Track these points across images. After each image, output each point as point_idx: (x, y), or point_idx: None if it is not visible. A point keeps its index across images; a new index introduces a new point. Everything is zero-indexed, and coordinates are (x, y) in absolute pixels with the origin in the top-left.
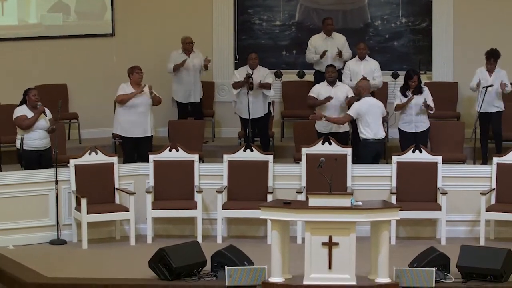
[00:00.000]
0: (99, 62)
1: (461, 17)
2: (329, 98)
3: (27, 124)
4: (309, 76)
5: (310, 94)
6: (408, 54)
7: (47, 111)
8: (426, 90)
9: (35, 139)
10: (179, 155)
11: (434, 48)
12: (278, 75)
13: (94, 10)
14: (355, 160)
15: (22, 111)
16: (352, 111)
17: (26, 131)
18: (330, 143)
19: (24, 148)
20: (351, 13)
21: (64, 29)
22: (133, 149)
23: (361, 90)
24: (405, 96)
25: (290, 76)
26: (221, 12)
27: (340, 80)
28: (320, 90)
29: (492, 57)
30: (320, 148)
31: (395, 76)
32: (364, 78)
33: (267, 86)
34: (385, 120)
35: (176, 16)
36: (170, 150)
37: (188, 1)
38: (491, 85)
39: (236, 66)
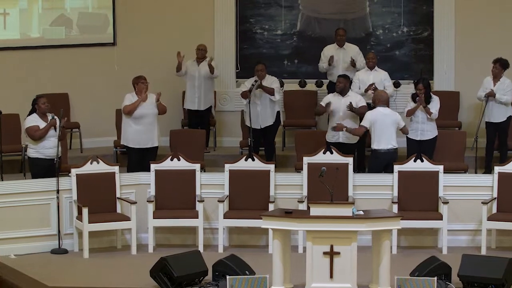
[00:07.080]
0: (100, 71)
1: (463, 27)
2: (328, 105)
3: (39, 135)
4: (311, 85)
5: (320, 102)
6: (409, 64)
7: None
8: (434, 100)
9: (49, 147)
10: (181, 164)
11: (435, 58)
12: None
13: (96, 23)
14: (357, 170)
15: (34, 120)
16: (364, 122)
17: (37, 141)
18: (331, 152)
19: (37, 156)
20: (353, 23)
21: (66, 42)
22: (140, 160)
23: (376, 99)
24: (416, 102)
25: (292, 85)
26: (222, 21)
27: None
28: (330, 100)
29: (498, 62)
30: (322, 157)
31: (396, 85)
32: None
33: (269, 90)
34: (404, 132)
35: (177, 25)
36: (171, 159)
37: (190, 10)
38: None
39: (238, 75)
